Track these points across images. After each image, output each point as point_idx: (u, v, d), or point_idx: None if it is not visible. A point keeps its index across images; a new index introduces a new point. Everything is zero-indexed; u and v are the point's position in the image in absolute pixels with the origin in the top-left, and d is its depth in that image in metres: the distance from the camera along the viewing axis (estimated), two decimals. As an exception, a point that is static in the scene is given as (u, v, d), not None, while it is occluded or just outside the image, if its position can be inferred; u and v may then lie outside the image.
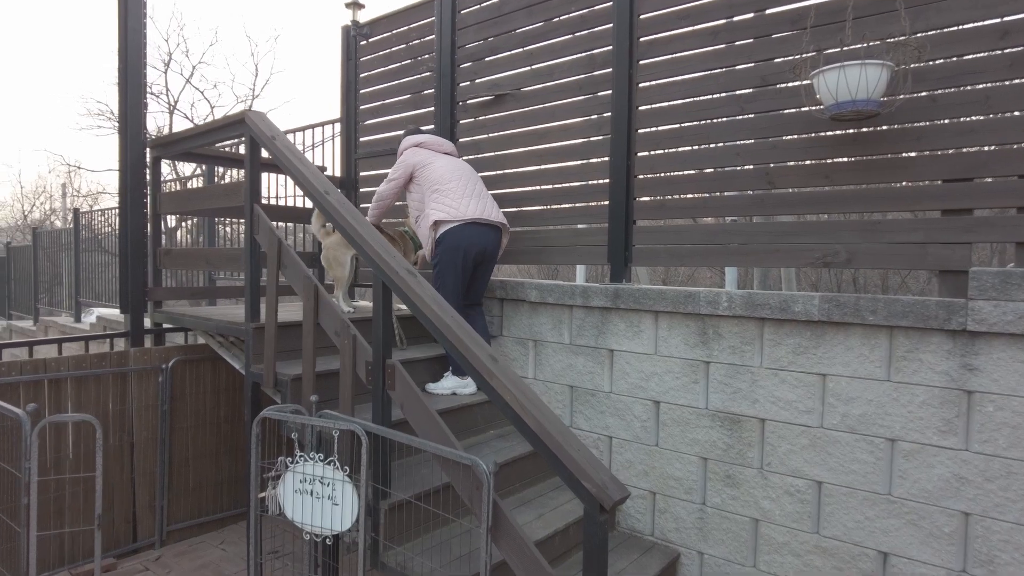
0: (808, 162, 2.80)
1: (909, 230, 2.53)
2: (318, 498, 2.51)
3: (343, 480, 2.41)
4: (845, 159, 2.69)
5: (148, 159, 3.76)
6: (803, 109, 2.74)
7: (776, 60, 2.85)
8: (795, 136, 2.84)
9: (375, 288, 2.43)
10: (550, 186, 3.66)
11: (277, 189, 6.39)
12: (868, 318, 2.48)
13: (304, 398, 2.69)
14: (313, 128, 5.20)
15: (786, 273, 10.46)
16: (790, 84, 2.80)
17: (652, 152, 3.26)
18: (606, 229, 3.38)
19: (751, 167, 2.96)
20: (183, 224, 9.41)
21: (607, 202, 3.39)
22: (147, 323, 3.90)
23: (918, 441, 2.40)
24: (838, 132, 2.67)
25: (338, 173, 4.84)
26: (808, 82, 2.54)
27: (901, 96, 2.44)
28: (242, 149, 3.92)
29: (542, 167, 3.69)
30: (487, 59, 3.93)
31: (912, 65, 2.40)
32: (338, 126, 4.93)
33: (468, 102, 4.02)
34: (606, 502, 1.76)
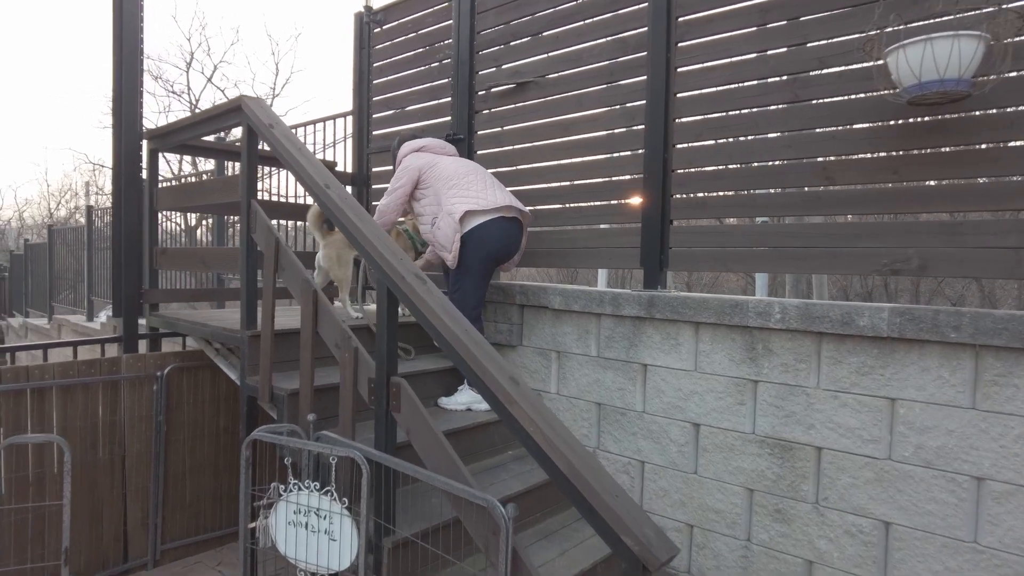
0: (874, 154, 2.45)
1: (1000, 233, 2.17)
2: (314, 532, 2.22)
3: (341, 513, 2.12)
4: (919, 151, 2.34)
5: (145, 152, 3.51)
6: (872, 94, 2.39)
7: (837, 39, 2.51)
8: (859, 125, 2.49)
9: (379, 294, 2.14)
10: (576, 182, 3.34)
11: (286, 187, 6.13)
12: (949, 335, 2.13)
13: (301, 416, 2.41)
14: (324, 122, 4.93)
15: (817, 280, 9.97)
16: (855, 66, 2.45)
17: (692, 144, 2.93)
18: (639, 229, 3.05)
19: (805, 161, 2.61)
20: (203, 223, 9.24)
21: (640, 199, 3.06)
22: (146, 327, 3.66)
23: (1013, 482, 2.04)
24: (914, 120, 2.31)
25: (350, 168, 4.57)
26: (881, 62, 2.19)
27: (992, 76, 2.08)
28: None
29: (567, 161, 3.37)
30: (508, 45, 3.62)
31: (1014, 39, 2.04)
32: (351, 120, 4.66)
33: (487, 92, 3.71)
34: (651, 562, 1.44)
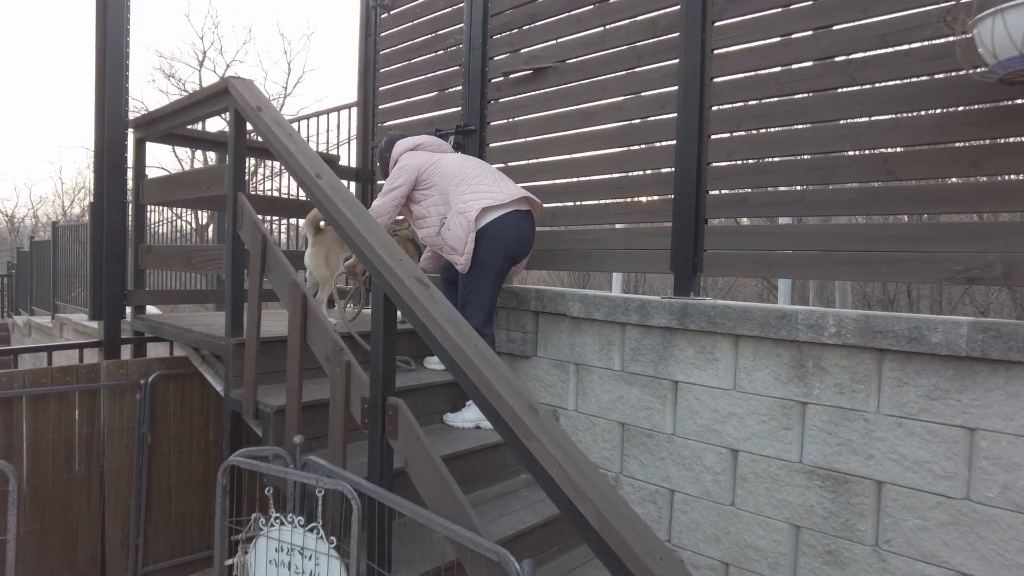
0: (947, 144, 2.13)
1: (1108, 236, 1.84)
2: (297, 573, 1.93)
3: (328, 554, 1.83)
4: (1006, 140, 2.01)
5: (131, 142, 3.24)
6: (947, 75, 2.07)
7: (902, 13, 2.18)
8: (928, 111, 2.17)
9: (375, 301, 1.84)
10: (598, 176, 3.03)
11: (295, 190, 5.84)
12: (1046, 356, 1.80)
13: (287, 437, 2.12)
14: (327, 114, 4.65)
15: (840, 286, 9.50)
16: (925, 43, 2.13)
17: (731, 134, 2.61)
18: (669, 230, 2.74)
19: (863, 153, 2.30)
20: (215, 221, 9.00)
21: (671, 196, 2.75)
22: (130, 331, 3.39)
23: None
24: (1002, 103, 1.99)
25: (354, 163, 4.29)
26: (968, 35, 1.87)
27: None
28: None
29: (589, 154, 3.07)
30: (525, 28, 3.32)
31: None
32: (355, 113, 4.38)
33: (501, 79, 3.41)
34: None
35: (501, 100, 3.42)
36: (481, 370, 1.51)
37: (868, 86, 2.27)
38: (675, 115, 2.75)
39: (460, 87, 3.61)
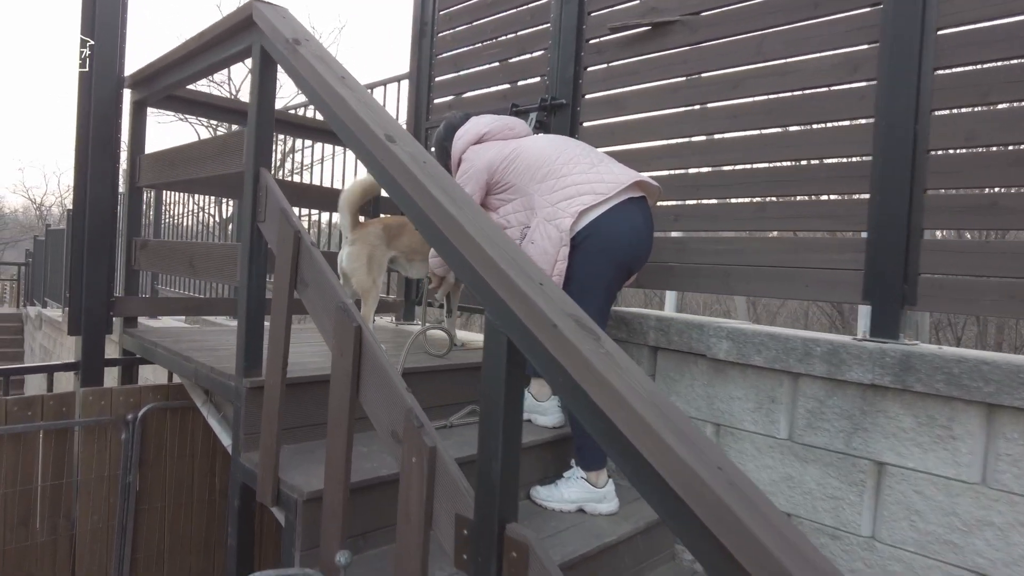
0: None
1: None
2: None
3: None
4: None
5: (127, 105, 2.52)
6: None
7: None
8: None
9: (489, 348, 1.06)
10: (745, 166, 2.24)
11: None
12: None
13: (324, 542, 1.36)
14: (372, 88, 3.90)
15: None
16: None
17: (970, 109, 1.81)
18: (861, 242, 1.94)
19: None
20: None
21: (865, 194, 1.95)
22: (118, 350, 2.66)
23: None
24: None
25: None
26: None
27: None
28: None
29: (734, 135, 2.28)
30: (640, -29, 2.54)
31: None
32: (406, 87, 3.63)
33: (605, 38, 2.63)
34: None
35: (603, 66, 2.64)
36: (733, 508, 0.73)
37: None
38: (873, 82, 1.95)
39: (545, 51, 2.84)
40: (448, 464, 1.12)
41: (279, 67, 1.65)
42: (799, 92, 2.11)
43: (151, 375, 4.54)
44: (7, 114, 54.19)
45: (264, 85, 1.71)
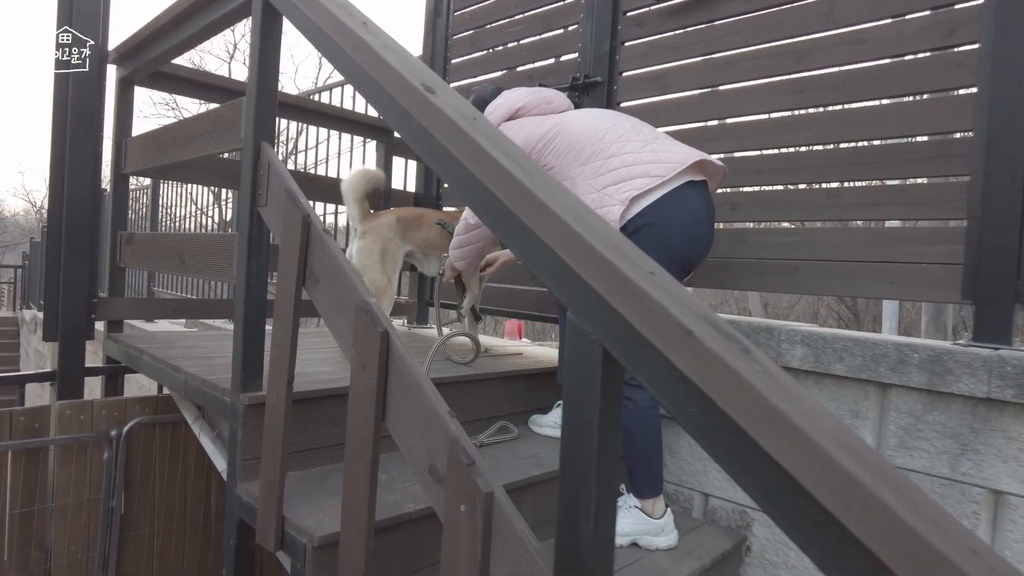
0: None
1: None
2: None
3: None
4: None
5: (113, 82, 2.25)
6: None
7: None
8: None
9: (573, 364, 0.78)
10: (818, 147, 1.97)
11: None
12: None
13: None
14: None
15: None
16: None
17: (1099, 71, 1.54)
18: (960, 232, 1.67)
19: None
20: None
21: (965, 176, 1.68)
22: (101, 358, 2.37)
23: None
24: None
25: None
26: None
27: None
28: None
29: (802, 112, 2.01)
30: (684, -67, 2.27)
31: None
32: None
33: (645, 9, 2.36)
34: None
35: (642, 40, 2.37)
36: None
37: None
38: (975, 46, 1.68)
39: (577, 25, 2.57)
40: (511, 517, 0.84)
41: (284, 19, 1.37)
42: (883, 61, 1.84)
43: (146, 383, 4.26)
44: (8, 117, 54.01)
45: (266, 45, 1.44)
